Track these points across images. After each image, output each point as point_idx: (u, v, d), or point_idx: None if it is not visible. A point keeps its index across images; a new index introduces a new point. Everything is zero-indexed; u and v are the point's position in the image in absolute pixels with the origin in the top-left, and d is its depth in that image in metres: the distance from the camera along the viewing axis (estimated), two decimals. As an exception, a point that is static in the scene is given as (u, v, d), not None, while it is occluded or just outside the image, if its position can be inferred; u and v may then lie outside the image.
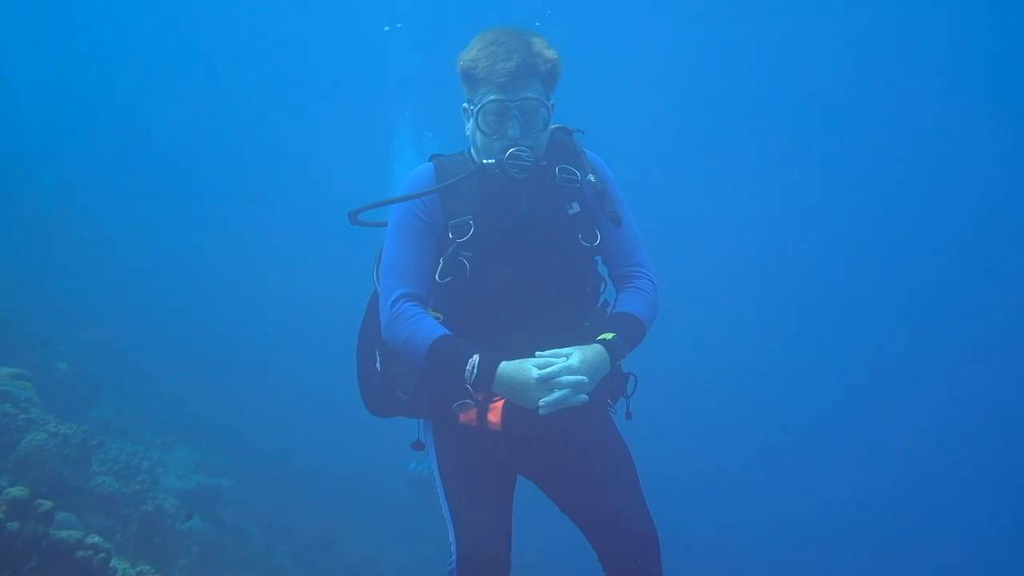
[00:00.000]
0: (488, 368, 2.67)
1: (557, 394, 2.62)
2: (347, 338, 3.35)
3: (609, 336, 2.80)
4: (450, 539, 2.73)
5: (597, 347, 2.76)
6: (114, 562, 4.75)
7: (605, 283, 3.06)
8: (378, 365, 3.06)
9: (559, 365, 2.66)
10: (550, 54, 2.86)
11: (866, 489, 12.90)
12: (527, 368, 2.66)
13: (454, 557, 2.68)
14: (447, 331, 2.79)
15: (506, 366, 2.68)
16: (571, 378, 2.63)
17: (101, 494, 6.54)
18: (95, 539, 4.53)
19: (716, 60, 17.09)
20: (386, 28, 14.55)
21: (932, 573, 11.30)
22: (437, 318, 2.85)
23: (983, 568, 11.50)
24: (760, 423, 14.10)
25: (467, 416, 2.83)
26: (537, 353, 2.71)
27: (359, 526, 10.62)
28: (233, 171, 19.87)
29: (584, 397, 2.66)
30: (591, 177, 2.90)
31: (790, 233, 16.61)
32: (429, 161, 3.06)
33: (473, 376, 2.68)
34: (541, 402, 2.62)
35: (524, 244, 2.87)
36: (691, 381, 13.97)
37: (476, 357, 2.69)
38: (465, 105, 2.94)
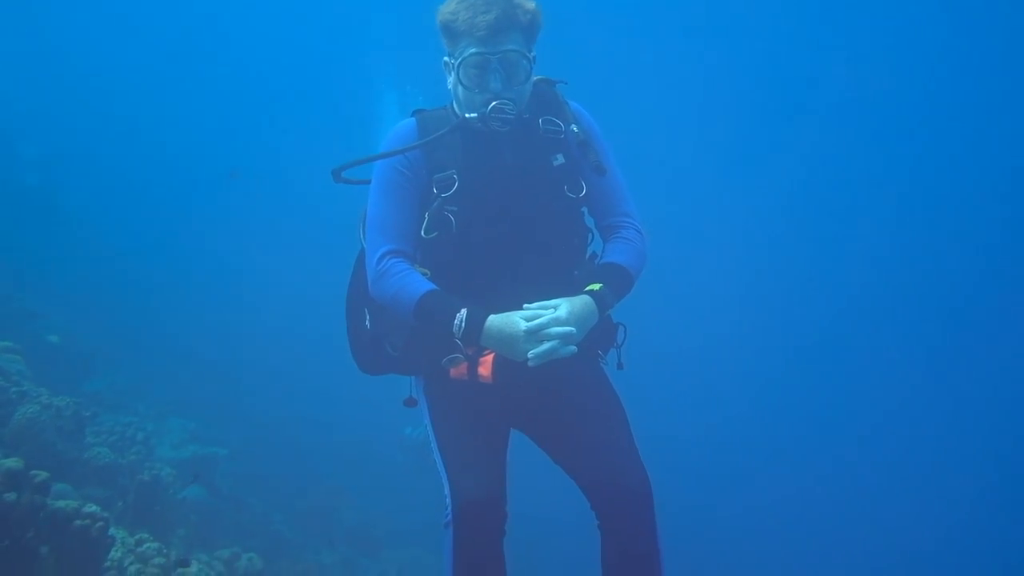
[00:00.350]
0: (476, 321, 2.67)
1: (546, 346, 2.62)
2: (338, 308, 3.33)
3: (596, 287, 2.79)
4: (445, 492, 2.72)
5: (585, 298, 2.75)
6: (112, 530, 4.75)
7: (592, 234, 3.04)
8: (367, 323, 3.05)
9: (547, 317, 2.65)
10: (530, 5, 2.82)
11: (862, 487, 12.93)
12: (515, 320, 2.65)
13: (449, 508, 2.67)
14: (434, 286, 2.78)
15: (494, 319, 2.67)
16: (559, 329, 2.62)
17: (96, 465, 6.54)
18: (93, 508, 4.52)
19: (716, 50, 16.94)
20: None
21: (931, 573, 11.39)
22: (424, 274, 2.83)
23: (982, 568, 11.54)
24: (758, 420, 14.10)
25: (457, 370, 2.82)
26: (525, 306, 2.69)
27: (356, 492, 10.65)
28: (214, 142, 19.61)
29: (573, 348, 2.65)
30: (574, 127, 2.87)
31: (789, 229, 16.55)
32: (411, 116, 3.02)
33: (461, 330, 2.67)
34: (530, 354, 2.62)
35: (509, 197, 2.85)
36: (689, 379, 14.01)
37: (464, 311, 2.68)
38: (446, 59, 2.91)
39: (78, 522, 4.40)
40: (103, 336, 11.37)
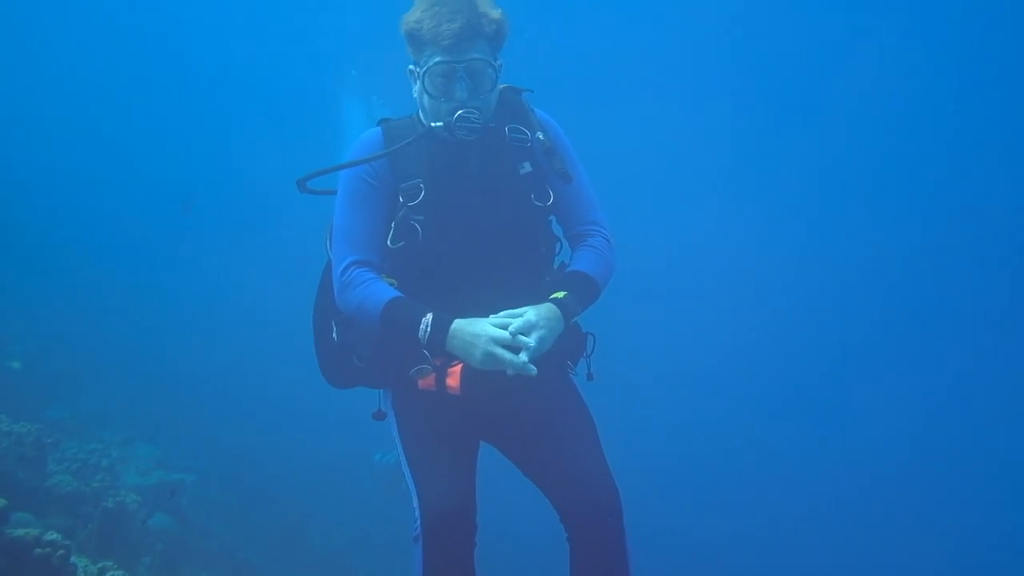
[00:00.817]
0: (441, 325, 2.65)
1: (522, 353, 2.61)
2: (305, 327, 3.30)
3: (561, 295, 2.78)
4: (414, 504, 2.69)
5: (549, 305, 2.74)
6: (75, 559, 4.63)
7: (561, 243, 3.04)
8: (335, 335, 3.02)
9: (516, 323, 2.63)
10: (495, 14, 2.83)
11: (863, 497, 12.94)
12: (481, 323, 2.65)
13: (418, 520, 2.64)
14: (399, 293, 2.76)
15: (460, 322, 2.66)
16: (533, 335, 2.64)
17: (59, 493, 6.39)
18: (53, 536, 4.40)
19: (703, 47, 17.03)
20: None
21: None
22: (391, 283, 2.82)
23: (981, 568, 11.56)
24: (757, 429, 14.10)
25: (425, 382, 2.80)
26: (491, 317, 2.68)
27: (327, 519, 10.54)
28: (176, 152, 19.32)
29: (533, 370, 2.65)
30: (540, 135, 2.87)
31: (779, 229, 16.63)
32: (377, 126, 3.01)
33: (427, 335, 2.65)
34: (512, 365, 2.60)
35: (476, 206, 2.85)
36: (679, 378, 14.02)
37: (429, 315, 2.67)
38: (411, 67, 2.91)
39: (38, 550, 4.28)
40: (66, 363, 11.19)
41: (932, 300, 15.65)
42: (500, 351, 2.59)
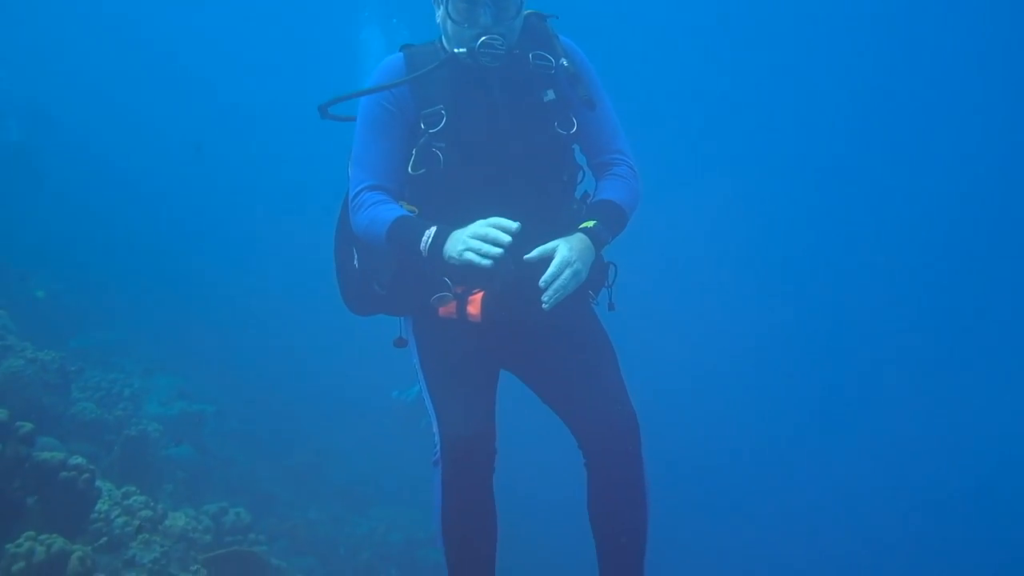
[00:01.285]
0: (442, 236, 2.61)
1: (557, 289, 2.59)
2: (325, 261, 3.29)
3: (590, 224, 2.75)
4: (434, 429, 2.71)
5: (579, 235, 2.72)
6: (99, 483, 4.73)
7: (584, 172, 3.00)
8: (356, 262, 3.00)
9: (553, 264, 2.60)
10: None
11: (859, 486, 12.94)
12: (475, 224, 2.60)
13: (438, 445, 2.67)
14: (407, 212, 2.74)
15: (459, 231, 2.62)
16: (568, 271, 2.61)
17: (83, 420, 6.51)
18: (79, 460, 4.49)
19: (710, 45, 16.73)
20: None
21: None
22: (412, 211, 2.79)
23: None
24: (753, 418, 14.09)
25: (446, 309, 2.80)
26: (525, 257, 2.64)
27: (344, 451, 10.67)
28: (184, 93, 19.18)
29: (582, 278, 2.65)
30: (564, 62, 2.82)
31: (783, 225, 16.47)
32: (400, 51, 2.96)
33: (428, 247, 2.61)
34: (544, 296, 2.58)
35: (498, 133, 2.80)
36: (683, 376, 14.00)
37: (432, 229, 2.63)
38: None
39: (64, 474, 4.38)
40: (90, 293, 11.30)
41: (941, 298, 15.56)
42: (471, 254, 2.55)
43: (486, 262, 2.51)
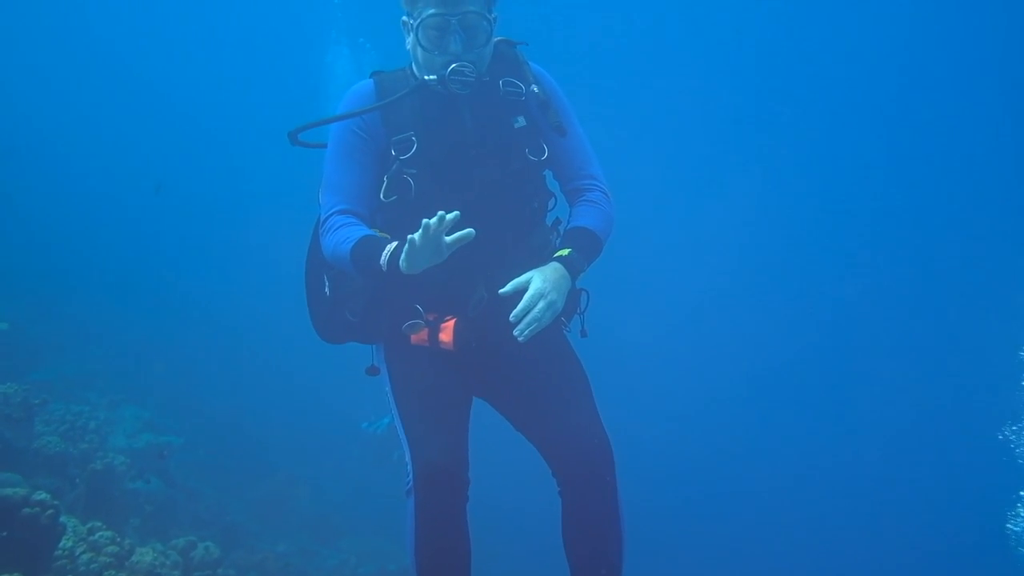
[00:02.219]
0: (400, 250, 2.56)
1: (530, 322, 2.60)
2: (294, 291, 3.27)
3: (565, 252, 2.76)
4: (406, 458, 2.68)
5: (554, 265, 2.72)
6: (63, 519, 4.64)
7: (555, 199, 3.00)
8: (327, 289, 2.98)
9: (526, 296, 2.60)
10: None
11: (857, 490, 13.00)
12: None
13: (411, 474, 2.64)
14: (372, 232, 2.72)
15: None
16: (542, 304, 2.61)
17: (47, 454, 6.40)
18: (42, 496, 4.41)
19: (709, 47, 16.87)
20: None
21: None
22: (383, 237, 2.75)
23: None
24: (747, 423, 14.13)
25: (418, 337, 2.79)
26: (500, 292, 2.65)
27: (314, 482, 10.56)
28: (161, 109, 18.89)
29: (558, 309, 2.66)
30: (535, 88, 2.83)
31: (783, 231, 16.57)
32: (369, 78, 2.96)
33: (387, 260, 2.57)
34: (516, 331, 2.59)
35: (469, 160, 2.80)
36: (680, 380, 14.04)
37: (392, 244, 2.59)
38: (404, 19, 2.85)
39: (26, 510, 4.29)
40: (53, 325, 11.13)
41: (930, 297, 15.71)
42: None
43: (414, 235, 2.45)
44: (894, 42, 15.88)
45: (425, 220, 2.42)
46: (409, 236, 2.44)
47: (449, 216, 2.42)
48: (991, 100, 15.48)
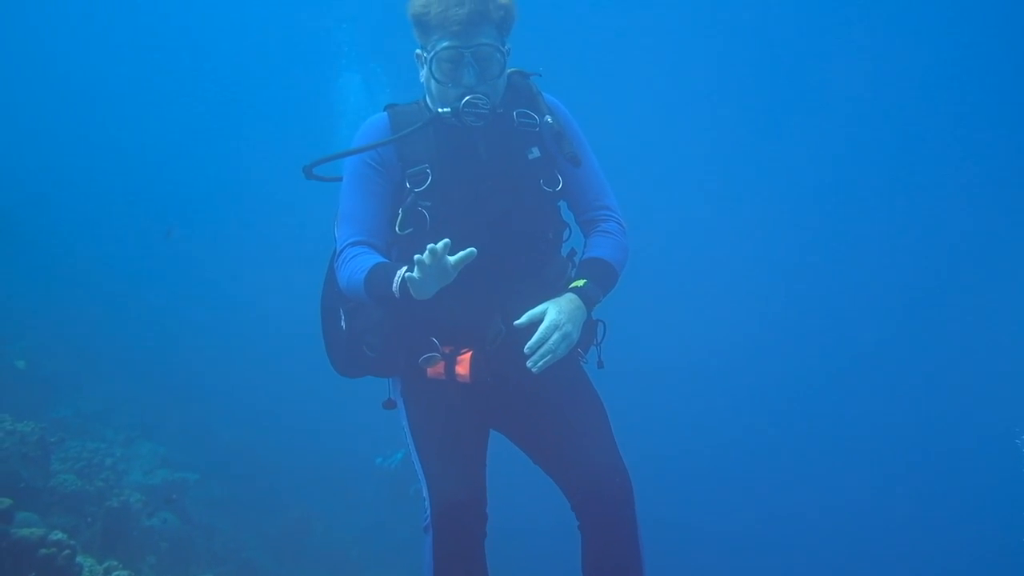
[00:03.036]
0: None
1: (544, 353, 2.60)
2: (309, 325, 3.26)
3: (581, 283, 2.76)
4: (424, 494, 2.66)
5: (570, 296, 2.73)
6: (80, 559, 4.61)
7: (570, 230, 3.00)
8: (343, 323, 2.98)
9: (542, 330, 2.61)
10: None
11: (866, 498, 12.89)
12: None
13: (428, 510, 2.62)
14: (384, 260, 2.72)
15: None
16: (554, 339, 2.61)
17: (63, 492, 6.38)
18: (58, 536, 4.38)
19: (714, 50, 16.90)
20: None
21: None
22: (396, 265, 2.75)
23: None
24: (759, 427, 14.05)
25: (435, 370, 2.80)
26: (515, 323, 2.66)
27: (329, 518, 10.51)
28: (170, 137, 18.97)
29: (573, 340, 2.66)
30: (549, 119, 2.84)
31: (782, 226, 16.55)
32: (384, 111, 2.98)
33: (398, 286, 2.57)
34: (529, 363, 2.59)
35: (484, 192, 2.81)
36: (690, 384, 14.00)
37: (403, 269, 2.59)
38: (418, 52, 2.87)
39: (43, 550, 4.26)
40: (69, 362, 11.15)
41: (933, 299, 15.61)
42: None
43: (421, 256, 2.44)
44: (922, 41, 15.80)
45: (417, 256, 2.42)
46: (416, 256, 2.44)
47: (439, 246, 2.43)
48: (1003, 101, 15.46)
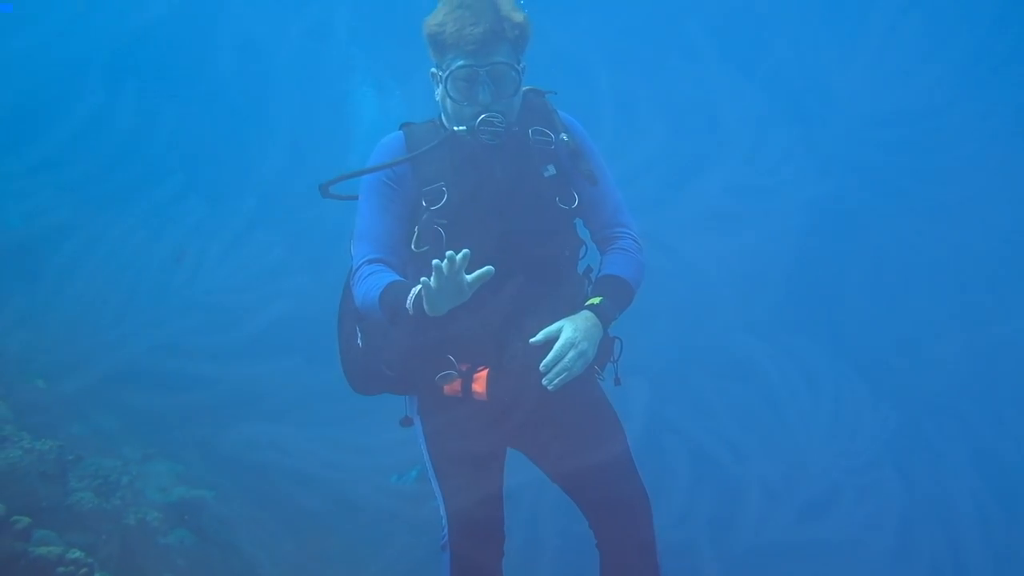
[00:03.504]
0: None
1: (560, 371, 2.61)
2: (325, 339, 3.27)
3: (596, 300, 2.75)
4: (441, 512, 2.67)
5: (586, 313, 2.73)
6: (97, 576, 4.61)
7: (586, 247, 3.01)
8: (359, 341, 2.98)
9: (557, 348, 2.60)
10: (518, 17, 2.82)
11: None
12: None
13: (446, 529, 2.62)
14: (400, 278, 2.70)
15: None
16: (570, 357, 2.63)
17: (80, 510, 6.39)
18: (77, 554, 4.41)
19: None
20: None
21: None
22: (411, 283, 2.76)
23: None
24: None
25: (451, 387, 2.81)
26: (531, 341, 2.67)
27: (348, 534, 10.48)
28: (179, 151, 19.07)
29: (589, 358, 2.68)
30: (564, 137, 2.85)
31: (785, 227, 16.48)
32: (399, 130, 2.98)
33: (412, 302, 2.58)
34: (545, 380, 2.57)
35: (500, 210, 2.84)
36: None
37: (417, 287, 2.59)
38: (433, 70, 2.90)
39: (61, 569, 4.29)
40: (87, 379, 11.20)
41: (933, 299, 15.53)
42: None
43: (440, 262, 2.44)
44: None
45: (436, 262, 2.41)
46: (435, 262, 2.42)
47: (459, 256, 2.41)
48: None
